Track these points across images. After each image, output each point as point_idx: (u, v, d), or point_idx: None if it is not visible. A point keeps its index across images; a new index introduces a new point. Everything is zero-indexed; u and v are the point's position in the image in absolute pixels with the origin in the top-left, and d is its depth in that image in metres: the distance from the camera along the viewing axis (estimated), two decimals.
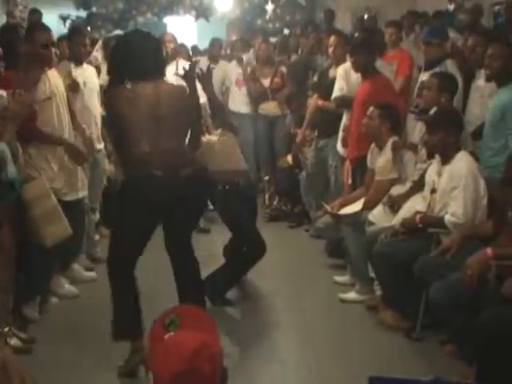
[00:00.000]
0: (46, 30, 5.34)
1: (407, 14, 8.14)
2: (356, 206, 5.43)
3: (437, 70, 5.53)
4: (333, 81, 6.59)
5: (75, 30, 6.67)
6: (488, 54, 4.83)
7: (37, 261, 4.84)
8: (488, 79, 4.88)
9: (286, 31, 10.26)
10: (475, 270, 3.72)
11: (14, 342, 4.46)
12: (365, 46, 5.98)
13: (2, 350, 0.78)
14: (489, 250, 3.77)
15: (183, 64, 7.36)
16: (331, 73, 6.81)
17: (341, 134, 6.42)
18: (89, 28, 9.75)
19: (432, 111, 4.96)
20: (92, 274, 5.95)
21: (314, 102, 7.04)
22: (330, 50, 6.79)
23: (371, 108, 5.37)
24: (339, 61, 6.62)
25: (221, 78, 8.53)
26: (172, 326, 1.90)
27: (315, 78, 7.25)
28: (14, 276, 4.58)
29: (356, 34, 7.56)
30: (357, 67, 5.98)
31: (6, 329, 4.44)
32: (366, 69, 5.90)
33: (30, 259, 4.74)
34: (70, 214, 5.10)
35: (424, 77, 5.67)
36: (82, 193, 5.61)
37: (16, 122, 4.17)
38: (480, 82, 5.31)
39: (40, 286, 5.12)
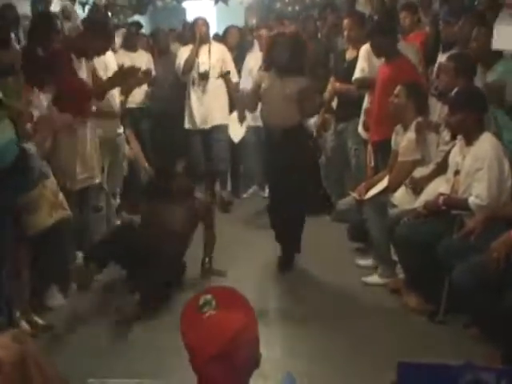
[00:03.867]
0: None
1: None
2: (383, 184, 5.41)
3: (455, 50, 5.44)
4: (350, 63, 6.54)
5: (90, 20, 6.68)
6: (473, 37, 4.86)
7: (52, 249, 4.81)
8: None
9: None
10: (501, 253, 3.68)
11: (23, 325, 4.47)
12: (380, 30, 5.92)
13: (24, 343, 0.76)
14: None
15: (216, 48, 7.54)
16: (348, 55, 6.76)
17: (362, 117, 6.37)
18: (110, 13, 9.75)
19: (454, 91, 4.89)
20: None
21: (331, 85, 6.99)
22: (345, 32, 6.76)
23: (398, 87, 5.31)
24: (355, 43, 6.57)
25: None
26: (207, 306, 1.88)
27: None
28: (28, 264, 4.59)
29: (375, 17, 7.46)
30: (375, 51, 5.93)
31: (18, 314, 4.46)
32: (386, 52, 5.83)
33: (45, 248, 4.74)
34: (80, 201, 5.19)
35: (442, 58, 5.59)
36: (98, 179, 5.65)
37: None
38: None
39: (56, 273, 5.11)
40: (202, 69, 7.50)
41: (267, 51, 5.74)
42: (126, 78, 5.55)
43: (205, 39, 7.52)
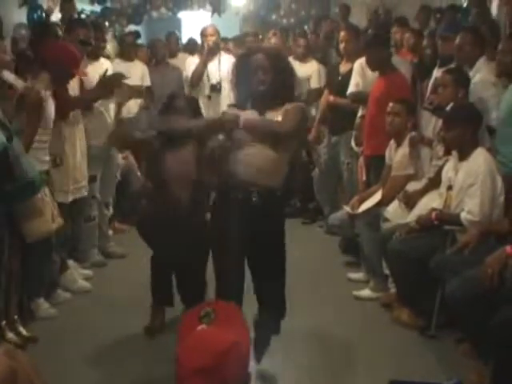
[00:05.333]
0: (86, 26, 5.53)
1: (421, 9, 8.05)
2: (375, 198, 5.40)
3: (452, 65, 5.45)
4: (343, 76, 6.55)
5: (94, 25, 6.62)
6: (499, 50, 4.79)
7: (36, 257, 4.76)
8: (499, 75, 4.81)
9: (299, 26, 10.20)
10: (495, 269, 3.67)
11: (10, 336, 4.44)
12: (375, 43, 5.94)
13: (15, 358, 0.74)
14: (508, 248, 3.72)
15: (227, 59, 7.24)
16: (342, 68, 6.77)
17: (354, 133, 6.39)
18: (106, 23, 9.75)
19: (449, 107, 4.90)
20: (85, 284, 5.68)
21: (325, 98, 6.99)
22: (341, 45, 6.78)
23: (392, 103, 5.34)
24: (350, 56, 6.60)
25: None
26: (206, 318, 1.88)
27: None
28: (16, 273, 4.56)
29: (370, 30, 7.49)
30: (371, 65, 5.95)
31: (3, 323, 4.42)
32: (380, 65, 5.85)
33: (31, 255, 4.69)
34: (72, 211, 5.15)
35: (438, 73, 5.60)
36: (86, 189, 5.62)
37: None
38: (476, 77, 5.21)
39: (40, 282, 5.03)
40: (214, 80, 7.30)
41: (235, 76, 4.04)
42: (111, 85, 5.40)
43: (213, 50, 7.32)
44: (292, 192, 7.45)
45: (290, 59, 5.59)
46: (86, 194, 5.59)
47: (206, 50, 7.31)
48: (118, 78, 5.46)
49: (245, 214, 3.68)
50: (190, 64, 7.51)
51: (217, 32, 7.44)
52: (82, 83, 5.49)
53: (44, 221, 4.44)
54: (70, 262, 5.59)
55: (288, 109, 3.76)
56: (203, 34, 7.48)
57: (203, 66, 7.30)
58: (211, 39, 7.31)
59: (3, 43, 4.11)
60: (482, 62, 5.09)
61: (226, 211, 3.74)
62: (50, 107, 4.78)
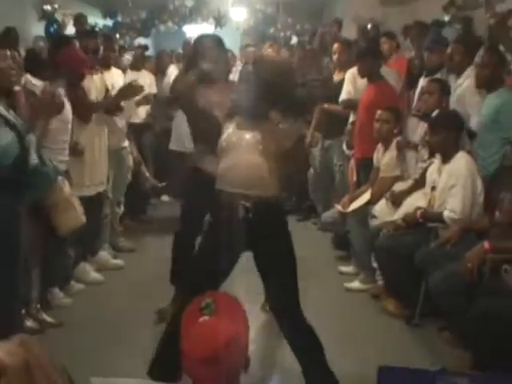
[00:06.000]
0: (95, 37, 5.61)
1: (415, 24, 7.89)
2: (365, 198, 5.40)
3: (438, 75, 5.45)
4: (337, 85, 6.54)
5: (104, 36, 6.63)
6: (478, 63, 4.79)
7: (53, 251, 4.77)
8: (478, 86, 4.81)
9: (295, 39, 10.19)
10: (474, 263, 3.68)
11: (29, 323, 4.45)
12: (369, 54, 5.97)
13: (30, 348, 0.73)
14: (486, 244, 3.72)
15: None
16: (335, 77, 6.76)
17: (345, 137, 6.39)
18: (117, 35, 9.79)
19: (434, 114, 4.91)
20: (118, 261, 5.95)
21: (320, 104, 6.98)
22: (335, 56, 6.79)
23: (380, 111, 5.34)
24: (343, 66, 6.60)
25: None
26: (207, 309, 1.85)
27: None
28: (37, 264, 4.57)
29: (360, 43, 7.49)
30: (362, 73, 5.95)
31: (23, 311, 4.39)
32: (371, 74, 5.86)
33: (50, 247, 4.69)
34: (91, 206, 5.12)
35: (424, 82, 5.60)
36: (103, 187, 5.62)
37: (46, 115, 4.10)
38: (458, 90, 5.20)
39: (58, 273, 5.07)
40: None
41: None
42: (133, 93, 5.53)
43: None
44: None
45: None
46: (101, 190, 5.58)
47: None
48: (137, 88, 5.50)
49: (242, 232, 3.20)
50: (172, 71, 7.42)
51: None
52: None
53: (75, 215, 4.40)
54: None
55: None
56: (185, 46, 7.57)
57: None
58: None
59: (18, 53, 4.10)
60: (470, 71, 5.07)
61: (223, 232, 3.21)
62: (67, 110, 4.77)
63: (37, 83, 4.75)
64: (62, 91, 4.65)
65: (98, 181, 5.49)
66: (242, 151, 3.22)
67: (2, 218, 3.72)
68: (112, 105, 5.56)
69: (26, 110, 4.12)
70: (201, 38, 4.40)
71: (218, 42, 4.31)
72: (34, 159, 3.77)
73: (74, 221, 4.39)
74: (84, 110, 5.14)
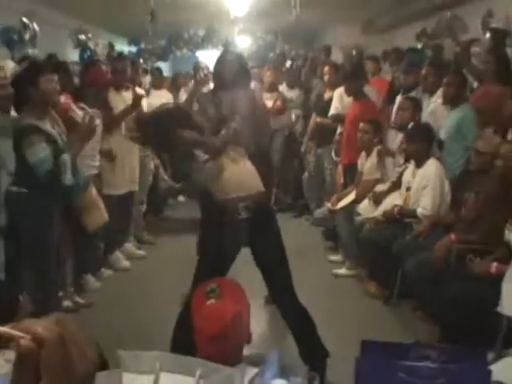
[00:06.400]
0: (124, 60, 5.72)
1: (393, 51, 7.85)
2: (351, 197, 5.39)
3: (413, 94, 5.45)
4: (327, 102, 6.53)
5: (130, 61, 6.52)
6: (445, 83, 4.78)
7: (84, 243, 4.80)
8: (445, 102, 4.80)
9: (289, 63, 10.16)
10: (442, 252, 3.68)
11: (66, 303, 4.47)
12: (353, 76, 5.94)
13: (65, 325, 0.73)
14: (452, 236, 3.73)
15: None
16: (326, 95, 6.76)
17: (334, 146, 6.40)
18: (141, 60, 9.78)
19: (410, 126, 4.91)
20: (142, 252, 5.95)
21: (313, 119, 6.99)
22: (326, 77, 6.77)
23: (363, 124, 5.33)
24: (332, 85, 6.58)
25: None
26: (213, 293, 1.86)
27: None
28: (72, 253, 4.60)
29: (346, 66, 7.47)
30: (348, 92, 5.94)
31: (61, 293, 4.43)
32: (356, 93, 5.85)
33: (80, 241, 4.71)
34: (121, 204, 5.12)
35: (400, 100, 5.59)
36: (135, 186, 5.61)
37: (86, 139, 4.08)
38: (432, 105, 5.18)
39: (89, 262, 5.07)
40: None
41: None
42: (135, 104, 5.22)
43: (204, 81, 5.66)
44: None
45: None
46: (134, 189, 5.57)
47: (195, 82, 5.78)
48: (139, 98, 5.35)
49: (238, 233, 3.08)
50: (153, 96, 6.82)
51: (206, 67, 6.75)
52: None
53: (100, 214, 4.40)
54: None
55: None
56: (195, 68, 7.38)
57: (192, 95, 5.08)
58: (202, 73, 6.03)
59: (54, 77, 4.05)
60: (441, 90, 5.05)
61: (220, 234, 3.06)
62: (99, 126, 4.74)
63: (75, 109, 4.68)
64: (96, 113, 4.58)
65: (129, 181, 5.48)
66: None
67: (40, 217, 3.73)
68: (125, 116, 5.29)
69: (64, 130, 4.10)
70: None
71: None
72: (69, 179, 3.75)
73: (99, 219, 4.40)
74: (109, 123, 5.11)
